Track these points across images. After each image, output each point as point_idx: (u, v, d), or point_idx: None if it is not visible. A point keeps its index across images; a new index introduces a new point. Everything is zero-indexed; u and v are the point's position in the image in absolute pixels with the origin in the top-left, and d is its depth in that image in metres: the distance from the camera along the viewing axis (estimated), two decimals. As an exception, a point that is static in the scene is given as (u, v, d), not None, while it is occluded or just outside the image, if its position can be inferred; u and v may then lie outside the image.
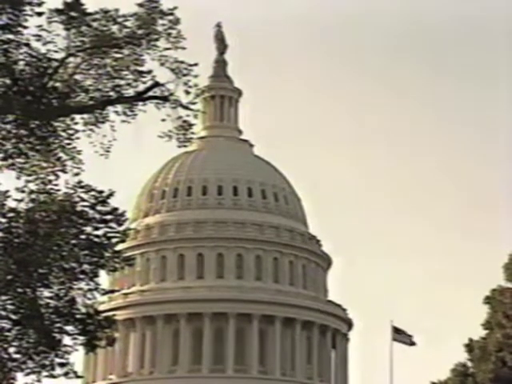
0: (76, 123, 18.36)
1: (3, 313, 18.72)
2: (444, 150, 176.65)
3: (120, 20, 18.09)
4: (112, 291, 22.01)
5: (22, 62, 17.73)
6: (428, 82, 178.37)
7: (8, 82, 17.61)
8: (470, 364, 44.58)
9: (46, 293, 18.97)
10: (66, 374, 19.80)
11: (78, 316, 19.14)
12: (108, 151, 18.59)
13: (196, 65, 18.36)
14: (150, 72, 18.31)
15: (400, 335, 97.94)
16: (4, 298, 18.62)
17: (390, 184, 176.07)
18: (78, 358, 20.89)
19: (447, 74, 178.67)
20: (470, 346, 44.74)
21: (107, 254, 19.32)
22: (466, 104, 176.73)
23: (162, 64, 18.28)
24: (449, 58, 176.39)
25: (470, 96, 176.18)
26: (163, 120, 18.44)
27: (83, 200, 18.95)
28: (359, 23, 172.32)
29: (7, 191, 18.85)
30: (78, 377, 20.87)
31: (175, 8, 18.24)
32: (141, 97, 18.30)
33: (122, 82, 18.25)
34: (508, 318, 41.55)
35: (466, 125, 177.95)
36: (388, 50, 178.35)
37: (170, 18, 18.16)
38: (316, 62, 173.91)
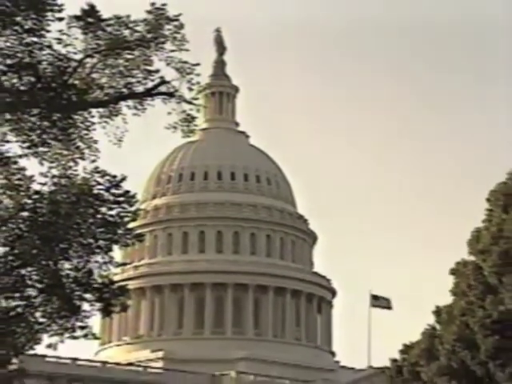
0: (93, 116, 18.31)
1: (30, 282, 18.75)
2: (434, 130, 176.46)
3: (131, 25, 18.02)
4: (124, 264, 22.08)
5: (44, 62, 17.66)
6: (426, 73, 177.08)
7: (33, 79, 17.55)
8: (438, 327, 44.68)
9: (67, 265, 19.00)
10: (85, 336, 19.85)
11: (95, 285, 19.16)
12: (121, 141, 18.54)
13: (198, 65, 18.31)
14: (157, 71, 18.24)
15: (378, 301, 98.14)
16: (30, 269, 18.64)
17: (371, 172, 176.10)
18: (95, 321, 20.96)
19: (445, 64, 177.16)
20: (438, 312, 44.82)
21: (120, 232, 19.32)
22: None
23: (168, 64, 18.21)
24: (447, 52, 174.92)
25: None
26: (169, 113, 18.39)
27: (99, 184, 18.95)
28: (355, 22, 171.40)
29: (32, 176, 18.85)
30: (96, 338, 20.95)
31: (180, 14, 18.18)
32: (149, 93, 18.24)
33: (133, 80, 18.19)
34: (470, 288, 41.66)
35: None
36: (381, 42, 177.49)
37: (175, 23, 18.09)
38: (307, 61, 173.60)
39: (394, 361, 46.48)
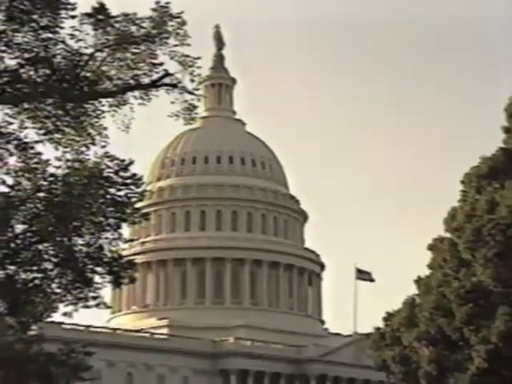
0: (103, 105, 18.24)
1: (46, 256, 18.75)
2: (420, 122, 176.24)
3: (137, 22, 17.93)
4: (132, 240, 22.13)
5: (59, 56, 17.59)
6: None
7: (48, 72, 17.49)
8: (417, 297, 44.81)
9: (80, 241, 18.99)
10: (97, 305, 19.87)
11: (105, 260, 19.16)
12: (128, 128, 18.48)
13: (199, 58, 18.23)
14: (161, 64, 18.17)
15: (362, 274, 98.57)
16: (47, 244, 18.64)
17: (357, 157, 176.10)
18: (106, 292, 21.00)
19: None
20: (417, 283, 44.92)
21: (128, 211, 19.30)
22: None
23: (172, 58, 18.12)
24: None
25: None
26: (172, 103, 18.30)
27: (109, 167, 18.90)
28: (350, 18, 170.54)
29: (48, 160, 18.81)
30: (107, 307, 20.97)
31: (182, 12, 18.10)
32: (154, 84, 18.17)
33: (139, 72, 18.12)
34: (446, 261, 41.77)
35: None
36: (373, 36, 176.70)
37: (178, 20, 18.00)
38: (300, 54, 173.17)
39: (377, 328, 46.68)
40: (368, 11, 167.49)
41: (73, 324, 75.34)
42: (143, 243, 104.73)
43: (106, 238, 19.22)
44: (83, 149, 18.65)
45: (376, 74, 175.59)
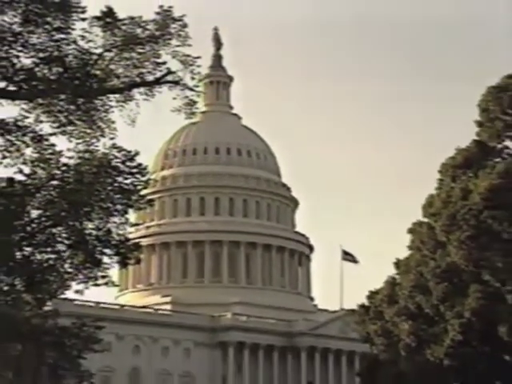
0: (111, 101, 18.16)
1: (59, 239, 18.71)
2: (405, 119, 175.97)
3: (142, 24, 17.86)
4: (137, 224, 22.07)
5: (70, 56, 17.51)
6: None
7: (61, 70, 17.42)
8: (397, 277, 44.82)
9: (90, 225, 18.91)
10: (106, 284, 19.83)
11: (113, 242, 19.09)
12: (134, 121, 18.41)
13: (199, 58, 18.17)
14: (164, 63, 18.09)
15: (347, 256, 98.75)
16: (60, 228, 18.59)
17: (343, 147, 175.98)
18: (114, 272, 20.96)
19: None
20: (397, 264, 44.94)
21: (134, 198, 19.23)
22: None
23: (174, 57, 18.06)
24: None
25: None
26: (174, 98, 18.24)
27: (116, 157, 18.81)
28: (344, 18, 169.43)
29: (61, 151, 18.74)
30: (115, 285, 20.94)
31: (184, 15, 18.04)
32: (158, 81, 18.10)
33: (144, 71, 18.05)
34: (424, 244, 41.78)
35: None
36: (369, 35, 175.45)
37: (180, 22, 17.92)
38: (293, 54, 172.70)
39: (361, 304, 46.77)
40: (363, 11, 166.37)
41: (84, 300, 75.40)
42: (148, 227, 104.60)
43: (114, 223, 19.16)
44: (93, 140, 18.60)
45: (363, 69, 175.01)
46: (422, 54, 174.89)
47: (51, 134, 18.44)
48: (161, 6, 17.98)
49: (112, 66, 17.94)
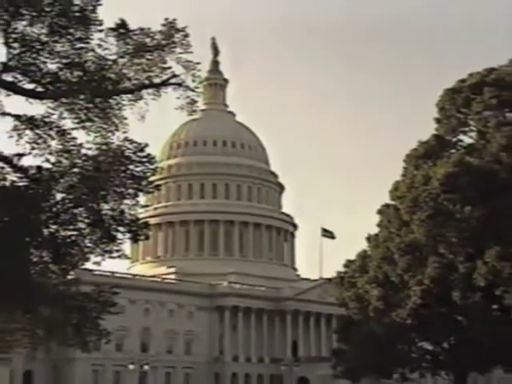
0: (123, 100, 18.06)
1: (80, 218, 18.66)
2: (381, 116, 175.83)
3: (151, 34, 17.78)
4: (146, 206, 21.97)
5: (89, 61, 17.44)
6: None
7: (81, 73, 17.37)
8: (368, 250, 45.03)
9: (106, 206, 18.77)
10: (119, 256, 19.74)
11: (126, 221, 18.94)
12: (143, 117, 18.34)
13: (199, 63, 18.13)
14: (169, 68, 18.04)
15: (326, 232, 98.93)
16: (80, 209, 18.53)
17: (324, 141, 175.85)
18: (126, 246, 20.95)
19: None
20: (368, 239, 45.15)
21: (143, 183, 19.14)
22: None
23: (178, 63, 17.99)
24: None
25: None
26: (178, 98, 18.17)
27: (128, 149, 18.68)
28: (348, 20, 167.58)
29: (81, 143, 18.67)
30: (127, 258, 20.92)
31: (186, 27, 18.01)
32: (164, 83, 18.07)
33: (152, 74, 17.98)
34: (390, 223, 41.99)
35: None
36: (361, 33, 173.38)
37: (183, 33, 17.86)
38: (282, 59, 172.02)
39: (338, 274, 46.91)
40: (352, 13, 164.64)
41: (101, 271, 75.44)
42: (155, 208, 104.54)
43: (127, 204, 19.01)
44: (109, 134, 18.49)
45: (343, 66, 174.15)
46: (415, 54, 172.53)
47: (73, 129, 18.36)
48: (166, 19, 17.94)
49: (124, 70, 17.90)
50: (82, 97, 17.47)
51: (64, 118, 18.06)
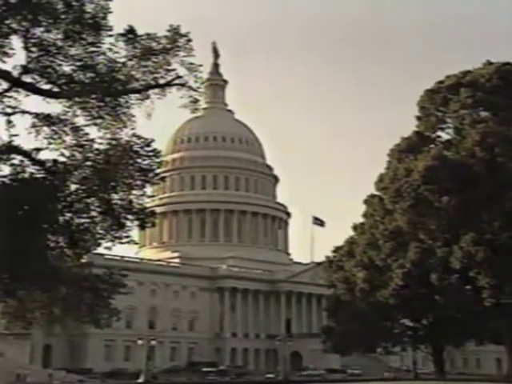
0: (131, 99, 18.08)
1: (92, 207, 18.63)
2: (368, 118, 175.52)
3: (157, 39, 17.74)
4: (153, 196, 22.01)
5: (100, 64, 17.44)
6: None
7: (93, 75, 17.37)
8: (355, 237, 45.19)
9: (116, 196, 18.73)
10: (128, 242, 19.75)
11: (134, 210, 18.88)
12: (150, 115, 18.34)
13: (201, 66, 18.09)
14: (174, 69, 18.02)
15: (317, 221, 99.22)
16: (93, 199, 18.51)
17: (317, 137, 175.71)
18: (134, 233, 20.96)
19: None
20: (355, 227, 45.33)
21: (150, 175, 19.09)
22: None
23: (181, 65, 17.99)
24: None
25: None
26: (181, 97, 18.13)
27: (136, 144, 18.63)
28: (348, 21, 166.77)
29: (93, 139, 18.69)
30: (135, 243, 20.88)
31: (189, 32, 18.00)
32: (169, 84, 18.04)
33: (158, 76, 17.94)
34: (375, 211, 42.20)
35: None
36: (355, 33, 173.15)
37: (186, 38, 17.84)
38: (279, 60, 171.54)
39: (327, 258, 47.12)
40: (345, 13, 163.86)
41: (112, 255, 75.46)
42: (161, 198, 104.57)
43: (135, 195, 18.97)
44: (118, 130, 18.42)
45: (337, 67, 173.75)
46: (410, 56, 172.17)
47: (85, 125, 18.29)
48: (171, 25, 17.92)
49: (133, 72, 17.86)
50: (93, 96, 17.45)
51: (77, 116, 18.04)
